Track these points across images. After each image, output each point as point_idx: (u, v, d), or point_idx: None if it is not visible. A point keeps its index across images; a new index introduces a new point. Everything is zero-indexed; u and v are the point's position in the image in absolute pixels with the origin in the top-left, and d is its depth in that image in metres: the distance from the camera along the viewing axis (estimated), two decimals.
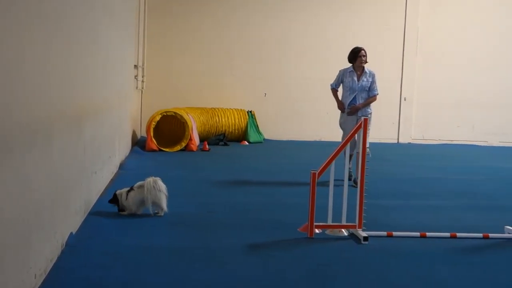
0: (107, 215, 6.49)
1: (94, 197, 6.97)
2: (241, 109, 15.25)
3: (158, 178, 6.62)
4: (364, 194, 5.92)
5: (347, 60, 9.22)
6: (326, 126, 15.54)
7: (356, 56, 9.09)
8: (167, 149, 12.46)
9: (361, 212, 5.91)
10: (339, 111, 9.26)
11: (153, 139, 12.39)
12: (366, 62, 9.12)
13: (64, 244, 5.13)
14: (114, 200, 6.62)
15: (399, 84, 16.49)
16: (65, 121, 5.07)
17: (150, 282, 4.50)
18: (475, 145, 16.22)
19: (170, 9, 15.86)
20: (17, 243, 3.74)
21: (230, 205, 7.37)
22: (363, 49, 9.13)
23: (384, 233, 5.96)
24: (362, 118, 6.00)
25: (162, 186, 6.54)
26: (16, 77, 3.63)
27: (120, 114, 9.96)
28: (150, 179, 6.55)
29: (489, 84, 16.56)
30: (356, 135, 8.28)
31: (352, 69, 9.15)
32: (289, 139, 15.87)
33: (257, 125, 15.33)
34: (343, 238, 5.92)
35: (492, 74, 16.55)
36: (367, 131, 8.13)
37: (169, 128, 13.68)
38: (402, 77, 16.49)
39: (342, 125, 9.24)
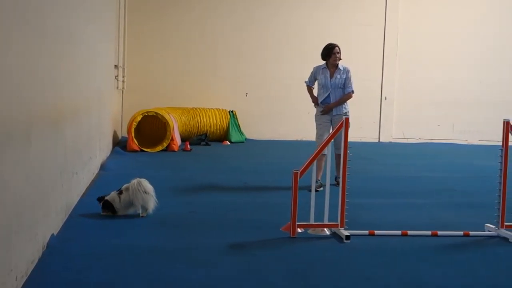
0: (88, 216, 6.45)
1: (75, 198, 6.93)
2: (222, 109, 15.24)
3: (144, 179, 6.58)
4: (346, 193, 5.94)
5: (317, 57, 8.97)
6: (308, 126, 15.51)
7: (330, 53, 8.66)
8: (148, 150, 12.41)
9: (343, 211, 5.93)
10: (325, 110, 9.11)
11: (134, 139, 12.33)
12: (340, 59, 8.70)
13: (45, 246, 5.09)
14: (107, 206, 6.54)
15: (379, 84, 16.58)
16: (44, 121, 5.03)
17: (132, 283, 4.49)
18: (455, 144, 16.35)
19: (150, 8, 15.79)
20: None
21: (212, 205, 7.36)
22: (337, 46, 8.71)
23: (366, 232, 5.99)
24: (344, 117, 5.99)
25: (147, 187, 6.50)
26: None
27: (101, 114, 9.90)
28: (134, 181, 6.52)
29: (468, 83, 16.71)
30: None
31: (325, 66, 8.76)
32: (271, 139, 15.88)
33: (239, 125, 15.33)
34: (326, 237, 5.95)
35: (472, 73, 16.70)
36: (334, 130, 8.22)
37: (151, 128, 13.63)
38: (382, 76, 16.57)
39: (316, 122, 8.84)
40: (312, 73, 8.93)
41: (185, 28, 15.96)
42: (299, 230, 5.95)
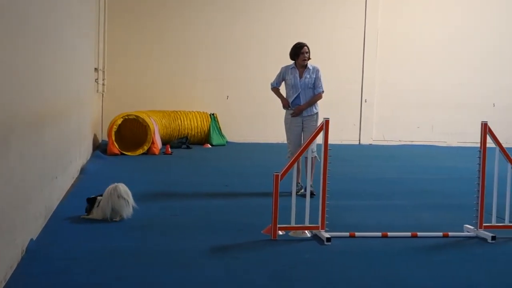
0: (68, 220, 6.41)
1: (55, 202, 6.88)
2: (203, 112, 15.22)
3: (121, 184, 6.54)
4: (327, 195, 5.96)
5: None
6: None
7: (299, 52, 8.34)
8: (129, 153, 12.35)
9: (324, 213, 5.95)
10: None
11: (115, 143, 12.27)
12: (309, 58, 8.39)
13: (25, 251, 5.05)
14: (91, 201, 6.53)
15: (359, 86, 16.67)
16: (23, 125, 4.99)
17: (112, 286, 4.46)
18: (434, 146, 16.49)
19: (131, 11, 15.73)
20: None
21: (193, 208, 7.35)
22: (306, 45, 8.40)
23: (347, 234, 6.02)
24: (324, 120, 5.99)
25: (122, 192, 6.45)
26: None
27: (81, 118, 9.85)
28: (111, 186, 6.48)
29: (448, 86, 16.86)
30: (303, 139, 8.29)
31: (294, 65, 8.43)
32: (252, 142, 15.89)
33: (220, 128, 15.32)
34: (307, 239, 5.96)
35: (451, 75, 16.86)
36: (314, 132, 8.20)
37: (131, 131, 13.58)
38: (362, 79, 16.67)
39: (286, 125, 8.55)
40: (280, 73, 8.55)
41: (165, 31, 15.93)
42: (280, 232, 5.97)
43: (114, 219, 6.41)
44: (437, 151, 15.39)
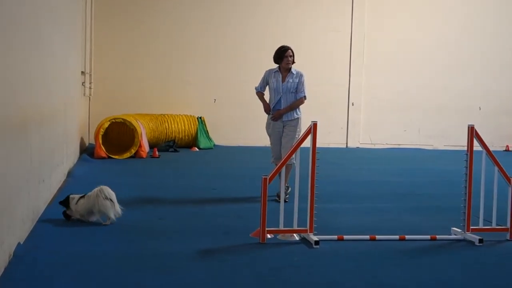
0: (55, 223, 6.38)
1: (42, 205, 6.84)
2: (191, 115, 15.20)
3: (106, 186, 6.51)
4: (315, 199, 5.97)
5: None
6: None
7: (282, 56, 8.19)
8: (116, 156, 12.31)
9: (312, 217, 5.96)
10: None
11: (102, 146, 12.22)
12: (293, 62, 8.23)
13: (12, 255, 5.01)
14: (65, 202, 6.51)
15: (346, 89, 16.73)
16: (9, 128, 4.96)
17: None
18: (421, 149, 16.58)
19: (118, 15, 15.69)
20: None
21: (181, 211, 7.33)
22: (290, 49, 8.25)
23: (335, 237, 6.03)
24: (312, 123, 6.00)
25: (108, 193, 6.41)
26: None
27: (68, 121, 9.80)
28: (96, 188, 6.46)
29: (434, 89, 16.97)
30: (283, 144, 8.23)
31: (277, 69, 8.28)
32: (240, 145, 15.89)
33: (207, 131, 15.30)
34: (295, 242, 5.97)
35: (437, 79, 16.97)
36: (295, 137, 8.05)
37: (118, 135, 13.53)
38: (349, 82, 16.73)
39: (267, 130, 8.41)
40: (263, 77, 8.41)
41: (152, 34, 15.90)
42: (268, 235, 5.97)
43: (104, 223, 6.37)
44: (424, 154, 15.47)
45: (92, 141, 13.58)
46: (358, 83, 16.76)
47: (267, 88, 8.48)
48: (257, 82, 8.61)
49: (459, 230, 6.32)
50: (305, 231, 5.98)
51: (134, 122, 12.63)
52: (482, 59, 17.08)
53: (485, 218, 6.34)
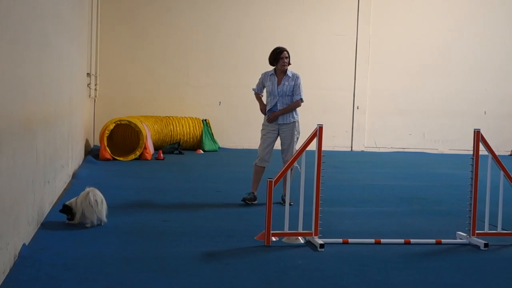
0: (60, 225, 6.38)
1: (47, 207, 6.85)
2: (195, 118, 15.22)
3: (95, 191, 6.45)
4: (320, 202, 5.97)
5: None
6: None
7: (278, 57, 8.03)
8: (121, 158, 12.32)
9: (317, 220, 5.95)
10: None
11: (107, 148, 12.24)
12: (289, 64, 8.10)
13: (17, 256, 5.02)
14: (66, 210, 6.50)
15: (352, 93, 16.73)
16: (15, 129, 4.97)
17: None
18: (426, 153, 16.55)
19: (123, 17, 15.73)
20: None
21: (185, 214, 7.33)
22: (286, 50, 8.08)
23: (340, 240, 6.02)
24: (318, 126, 5.99)
25: (94, 200, 6.35)
26: None
27: (73, 122, 9.82)
28: (86, 190, 6.44)
29: (439, 93, 16.96)
30: (281, 147, 8.17)
31: (273, 72, 8.15)
32: (244, 148, 15.89)
33: (212, 134, 15.32)
34: (300, 245, 5.96)
35: (442, 82, 16.95)
36: (294, 140, 8.07)
37: (123, 137, 13.55)
38: (355, 86, 16.73)
39: (262, 131, 8.29)
40: (260, 79, 8.30)
41: (158, 37, 15.93)
42: (273, 238, 5.96)
43: (86, 225, 6.36)
44: (429, 158, 15.45)
45: (97, 143, 13.61)
46: (363, 86, 16.75)
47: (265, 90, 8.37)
48: None
49: (465, 234, 6.30)
50: (310, 234, 5.97)
51: (139, 124, 12.64)
52: (488, 64, 17.06)
53: (490, 222, 6.33)
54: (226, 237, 6.20)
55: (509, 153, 16.84)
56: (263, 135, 8.26)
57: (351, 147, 16.78)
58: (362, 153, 16.37)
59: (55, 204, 7.37)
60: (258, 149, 8.28)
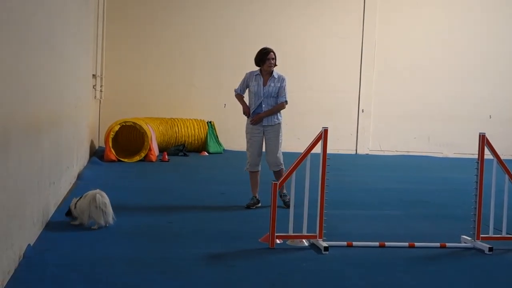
0: (65, 226, 6.40)
1: (52, 208, 6.86)
2: (200, 120, 15.23)
3: (102, 194, 6.44)
4: (325, 205, 5.97)
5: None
6: (286, 137, 15.56)
7: (264, 58, 7.90)
8: (126, 160, 12.34)
9: (322, 223, 5.95)
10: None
11: (112, 149, 12.26)
12: (275, 65, 7.98)
13: (22, 256, 5.03)
14: (68, 212, 6.53)
15: (356, 96, 16.72)
16: (21, 130, 4.99)
17: None
18: (430, 156, 16.53)
19: (129, 18, 15.76)
20: None
21: (189, 216, 7.34)
22: (272, 51, 7.98)
23: (344, 243, 6.02)
24: (323, 129, 5.99)
25: (101, 203, 6.35)
26: None
27: (78, 124, 9.84)
28: (92, 192, 6.44)
29: (444, 97, 16.93)
30: (266, 150, 8.09)
31: (259, 72, 8.00)
32: None
33: (217, 136, 15.33)
34: (304, 248, 5.96)
35: (447, 86, 16.92)
36: (279, 141, 7.99)
37: (128, 138, 13.57)
38: (360, 89, 16.72)
39: (246, 134, 8.15)
40: (244, 79, 8.13)
41: (163, 38, 15.96)
42: (277, 241, 5.96)
43: (93, 227, 6.37)
44: (434, 161, 15.42)
45: (102, 144, 13.63)
46: (369, 90, 16.74)
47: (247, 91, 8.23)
48: None
49: (469, 238, 6.28)
50: (315, 237, 5.97)
51: (144, 126, 12.66)
52: (493, 68, 17.03)
53: (495, 226, 6.32)
54: (231, 239, 6.21)
55: None
56: (249, 140, 8.12)
57: (356, 150, 16.76)
58: (367, 156, 16.35)
59: (60, 205, 7.39)
60: (247, 154, 8.17)
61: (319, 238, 5.94)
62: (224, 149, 15.40)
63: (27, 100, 5.30)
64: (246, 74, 8.16)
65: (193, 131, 14.88)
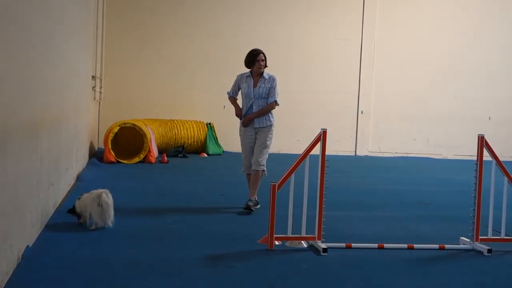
0: (64, 227, 6.40)
1: (51, 209, 6.86)
2: (200, 121, 15.23)
3: (107, 193, 6.43)
4: (323, 206, 5.97)
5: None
6: (285, 139, 15.65)
7: (254, 60, 7.85)
8: (125, 161, 12.34)
9: (320, 224, 5.96)
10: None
11: (111, 151, 12.26)
12: (265, 66, 7.91)
13: (20, 257, 5.03)
14: (72, 211, 6.55)
15: (356, 97, 16.71)
16: (20, 131, 4.99)
17: None
18: (430, 158, 16.52)
19: (128, 20, 15.76)
20: None
21: (189, 217, 7.34)
22: (262, 52, 7.90)
23: (343, 245, 6.02)
24: (322, 131, 6.00)
25: (104, 202, 6.33)
26: None
27: (77, 125, 9.85)
28: (99, 190, 6.44)
29: (443, 99, 16.92)
30: (254, 150, 8.02)
31: (249, 74, 7.96)
32: None
33: (216, 137, 15.33)
34: (303, 250, 5.96)
35: (447, 88, 16.92)
36: (267, 143, 7.90)
37: (128, 140, 13.57)
38: (359, 90, 16.71)
39: (240, 137, 8.15)
40: (235, 81, 8.12)
41: (162, 40, 15.96)
42: (276, 242, 5.96)
43: (91, 228, 6.35)
44: (433, 163, 15.42)
45: (102, 146, 13.62)
46: (368, 91, 16.74)
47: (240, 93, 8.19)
48: None
49: (468, 240, 6.29)
50: (313, 238, 5.97)
51: (143, 127, 12.67)
52: (492, 69, 17.03)
53: (494, 228, 6.32)
54: (230, 240, 6.21)
55: None
56: (242, 142, 8.11)
57: (355, 151, 16.76)
58: (366, 157, 16.35)
59: (59, 206, 7.39)
60: (242, 158, 8.17)
61: (318, 240, 5.95)
62: (223, 151, 15.39)
63: (26, 102, 5.30)
64: (237, 76, 8.14)
65: (192, 133, 14.89)
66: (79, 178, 9.78)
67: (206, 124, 15.19)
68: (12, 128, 4.64)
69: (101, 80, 14.09)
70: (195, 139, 14.90)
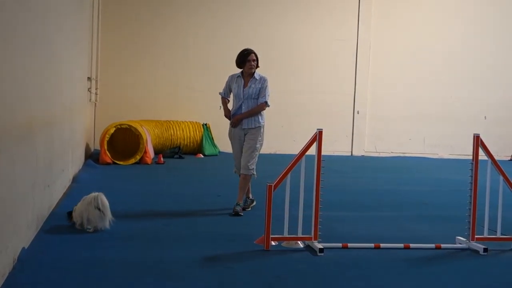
0: (59, 229, 6.38)
1: (46, 211, 6.85)
2: (196, 122, 15.22)
3: (102, 196, 6.42)
4: (320, 206, 5.97)
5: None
6: (281, 139, 15.67)
7: (245, 60, 7.74)
8: (121, 162, 12.32)
9: (317, 224, 5.96)
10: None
11: (107, 152, 12.24)
12: (257, 67, 7.82)
13: (16, 259, 5.02)
14: (70, 213, 6.54)
15: (352, 98, 16.73)
16: (15, 132, 4.98)
17: None
18: (426, 158, 16.55)
19: (124, 22, 15.75)
20: None
21: (185, 218, 7.34)
22: (253, 52, 7.80)
23: (339, 245, 6.02)
24: (317, 131, 6.00)
25: (100, 204, 6.33)
26: None
27: (73, 127, 9.83)
28: (92, 194, 6.43)
29: (439, 98, 16.96)
30: (242, 153, 7.84)
31: (240, 74, 7.87)
32: None
33: (212, 138, 15.32)
34: (299, 250, 5.96)
35: (442, 87, 16.96)
36: (256, 146, 7.80)
37: (124, 141, 13.55)
38: (355, 90, 16.73)
39: (229, 139, 8.09)
40: (227, 82, 8.02)
41: (158, 41, 15.95)
42: (273, 243, 5.96)
43: (88, 230, 6.35)
44: (429, 163, 15.44)
45: (98, 147, 13.61)
46: (364, 91, 16.76)
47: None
48: None
49: (464, 239, 6.30)
50: (310, 238, 5.97)
51: (139, 128, 12.65)
52: (487, 69, 17.07)
53: (490, 227, 6.33)
54: (227, 241, 6.21)
55: (509, 158, 16.84)
56: (231, 143, 8.05)
57: (351, 151, 16.77)
58: (362, 158, 16.37)
59: (55, 208, 7.38)
60: (233, 158, 8.14)
61: (314, 240, 5.95)
62: (219, 151, 15.38)
63: (22, 103, 5.29)
64: (229, 77, 8.06)
65: (188, 134, 14.88)
66: (75, 179, 9.77)
67: (202, 124, 15.19)
68: (7, 129, 4.63)
69: (96, 81, 14.07)
70: (191, 139, 14.89)
